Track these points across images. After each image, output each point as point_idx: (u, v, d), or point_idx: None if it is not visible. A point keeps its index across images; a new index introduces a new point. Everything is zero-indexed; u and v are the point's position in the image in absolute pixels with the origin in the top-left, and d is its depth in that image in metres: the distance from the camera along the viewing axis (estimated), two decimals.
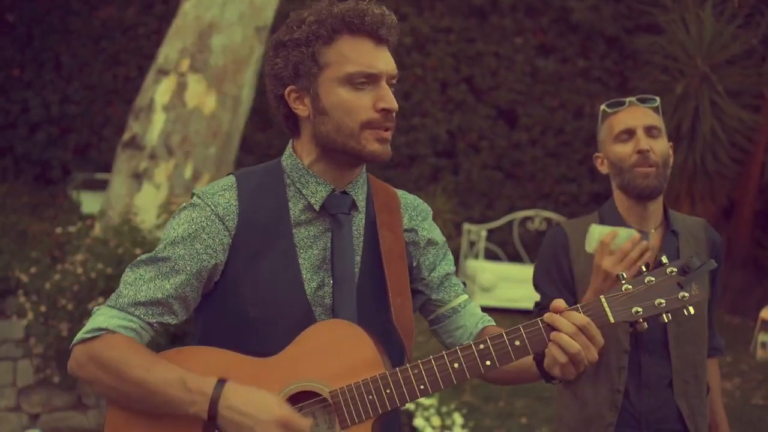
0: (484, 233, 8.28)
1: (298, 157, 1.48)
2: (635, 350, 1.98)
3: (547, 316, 1.34)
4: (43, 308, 4.91)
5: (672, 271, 1.33)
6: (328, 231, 1.46)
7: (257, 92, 7.38)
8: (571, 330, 1.31)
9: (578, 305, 1.35)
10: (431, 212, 1.62)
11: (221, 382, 1.31)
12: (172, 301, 1.40)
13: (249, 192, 1.44)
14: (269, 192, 1.45)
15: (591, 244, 1.82)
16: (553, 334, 1.32)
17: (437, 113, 9.91)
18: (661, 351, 1.98)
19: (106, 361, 1.33)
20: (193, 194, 1.46)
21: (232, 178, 1.47)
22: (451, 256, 1.61)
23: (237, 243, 1.42)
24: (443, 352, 1.37)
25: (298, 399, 1.36)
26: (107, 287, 4.91)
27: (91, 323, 1.38)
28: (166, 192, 6.67)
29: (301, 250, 1.44)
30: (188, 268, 1.40)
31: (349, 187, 1.48)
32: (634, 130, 2.04)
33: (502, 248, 8.96)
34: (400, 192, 1.59)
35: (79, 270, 4.94)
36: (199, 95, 7.00)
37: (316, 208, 1.45)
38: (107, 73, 10.07)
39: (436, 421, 4.13)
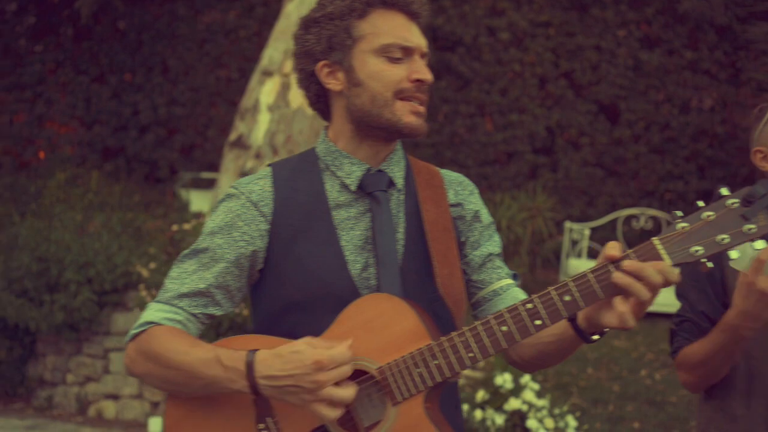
0: (587, 232, 8.07)
1: (331, 141, 1.46)
2: None
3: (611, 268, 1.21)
4: None
5: (733, 203, 1.16)
6: (368, 211, 1.43)
7: None
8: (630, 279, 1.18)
9: (630, 251, 1.22)
10: (478, 189, 1.57)
11: (251, 353, 1.28)
12: (214, 290, 1.41)
13: (284, 178, 1.44)
14: (304, 177, 1.45)
15: (742, 261, 1.56)
16: (615, 276, 1.19)
17: (535, 109, 9.73)
18: None
19: (151, 352, 1.35)
20: (231, 187, 1.46)
21: (267, 168, 1.48)
22: (497, 239, 1.54)
23: (275, 228, 1.41)
24: (489, 316, 1.29)
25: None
26: None
27: (139, 319, 1.41)
28: None
29: (342, 232, 1.42)
30: (227, 256, 1.40)
31: (384, 164, 1.45)
32: None
33: None
34: (443, 170, 1.54)
35: None
36: (303, 95, 7.14)
37: (353, 188, 1.43)
38: (210, 75, 10.42)
39: (550, 423, 4.04)
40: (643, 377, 5.80)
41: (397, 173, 1.47)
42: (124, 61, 10.47)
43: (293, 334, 1.34)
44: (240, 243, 1.41)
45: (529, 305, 1.26)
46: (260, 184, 1.44)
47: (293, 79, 7.16)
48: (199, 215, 8.02)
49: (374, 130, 1.42)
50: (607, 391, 5.62)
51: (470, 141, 9.72)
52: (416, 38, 1.41)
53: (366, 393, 1.33)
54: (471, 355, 1.28)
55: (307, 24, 1.45)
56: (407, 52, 1.40)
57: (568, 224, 8.47)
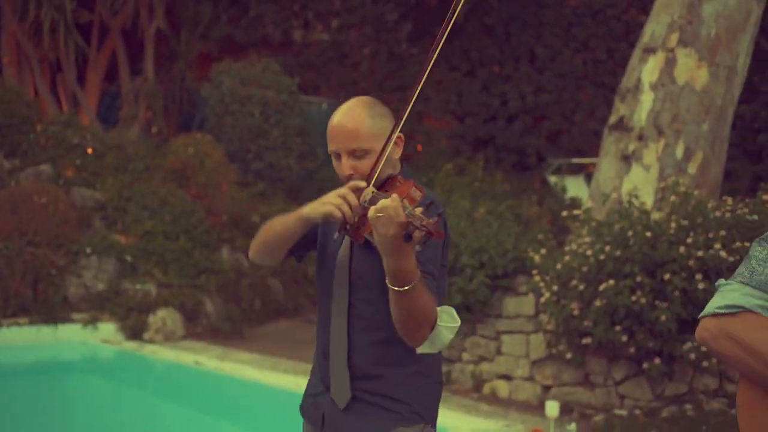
0: None
1: None
2: None
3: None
4: (555, 288, 5.16)
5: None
6: None
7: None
8: None
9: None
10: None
11: None
12: None
13: None
14: None
15: None
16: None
17: None
18: None
19: (746, 342, 1.36)
20: None
21: None
22: None
23: None
24: None
25: None
26: (614, 269, 4.92)
27: (724, 298, 1.39)
28: (656, 173, 6.46)
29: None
30: None
31: None
32: None
33: None
34: None
35: (588, 252, 5.05)
36: (690, 70, 6.61)
37: None
38: (577, 58, 10.27)
39: None
40: None
41: None
42: (493, 55, 10.86)
43: None
44: None
45: None
46: None
47: (679, 54, 6.65)
48: (576, 201, 7.97)
49: None
50: None
51: None
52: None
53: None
54: None
55: None
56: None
57: None
